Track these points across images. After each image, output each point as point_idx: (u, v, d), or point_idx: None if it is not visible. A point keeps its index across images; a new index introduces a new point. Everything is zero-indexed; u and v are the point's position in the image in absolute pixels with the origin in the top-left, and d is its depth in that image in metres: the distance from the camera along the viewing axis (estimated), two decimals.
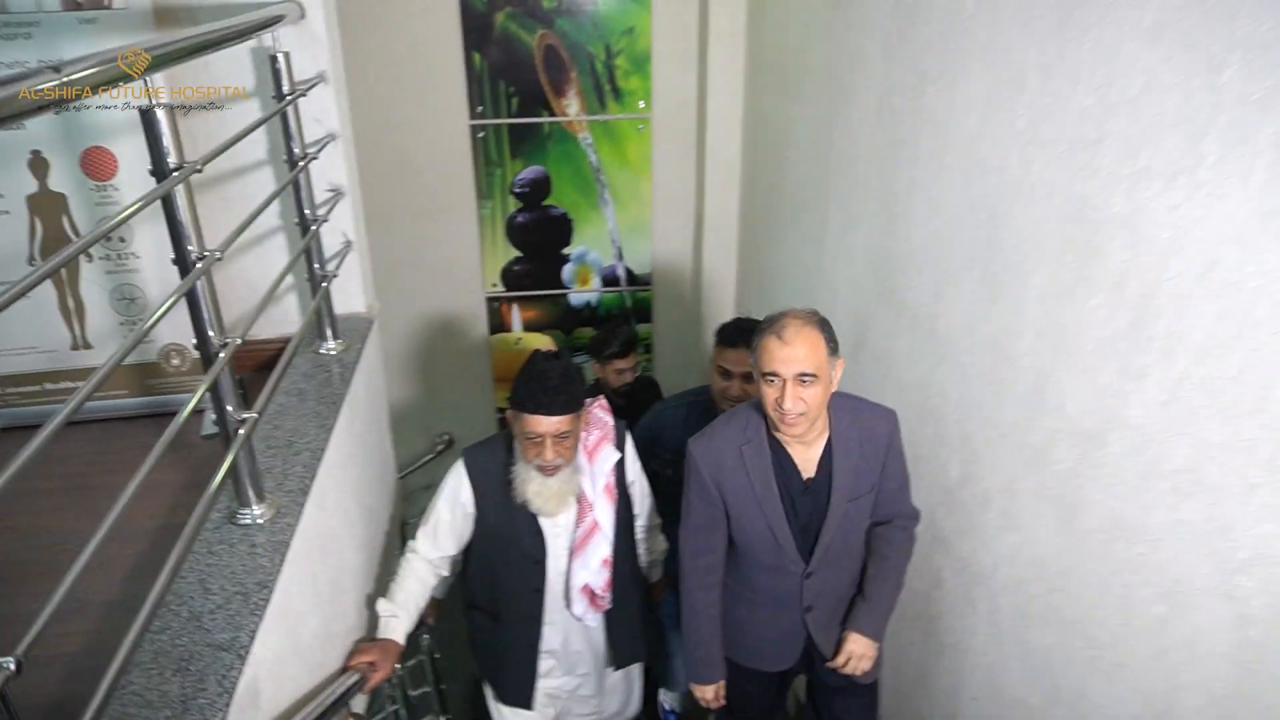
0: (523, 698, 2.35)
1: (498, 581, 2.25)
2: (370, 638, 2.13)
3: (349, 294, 2.49)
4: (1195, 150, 1.29)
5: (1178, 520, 1.38)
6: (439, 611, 2.51)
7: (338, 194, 2.39)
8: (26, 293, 1.01)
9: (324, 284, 2.24)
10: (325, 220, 2.24)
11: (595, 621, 2.32)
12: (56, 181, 2.11)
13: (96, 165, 2.13)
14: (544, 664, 2.34)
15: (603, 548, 2.19)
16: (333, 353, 2.32)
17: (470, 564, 2.30)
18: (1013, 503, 1.86)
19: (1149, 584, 1.46)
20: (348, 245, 2.44)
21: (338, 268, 2.35)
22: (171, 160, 1.41)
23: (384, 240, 3.10)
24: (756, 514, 1.93)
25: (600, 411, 2.25)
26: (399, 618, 2.12)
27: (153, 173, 1.41)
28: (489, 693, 2.45)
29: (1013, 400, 1.82)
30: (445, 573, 2.29)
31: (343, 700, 1.87)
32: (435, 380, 4.44)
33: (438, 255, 4.17)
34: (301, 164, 2.10)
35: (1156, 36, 1.35)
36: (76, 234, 2.15)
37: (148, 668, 1.31)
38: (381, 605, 2.13)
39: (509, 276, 4.34)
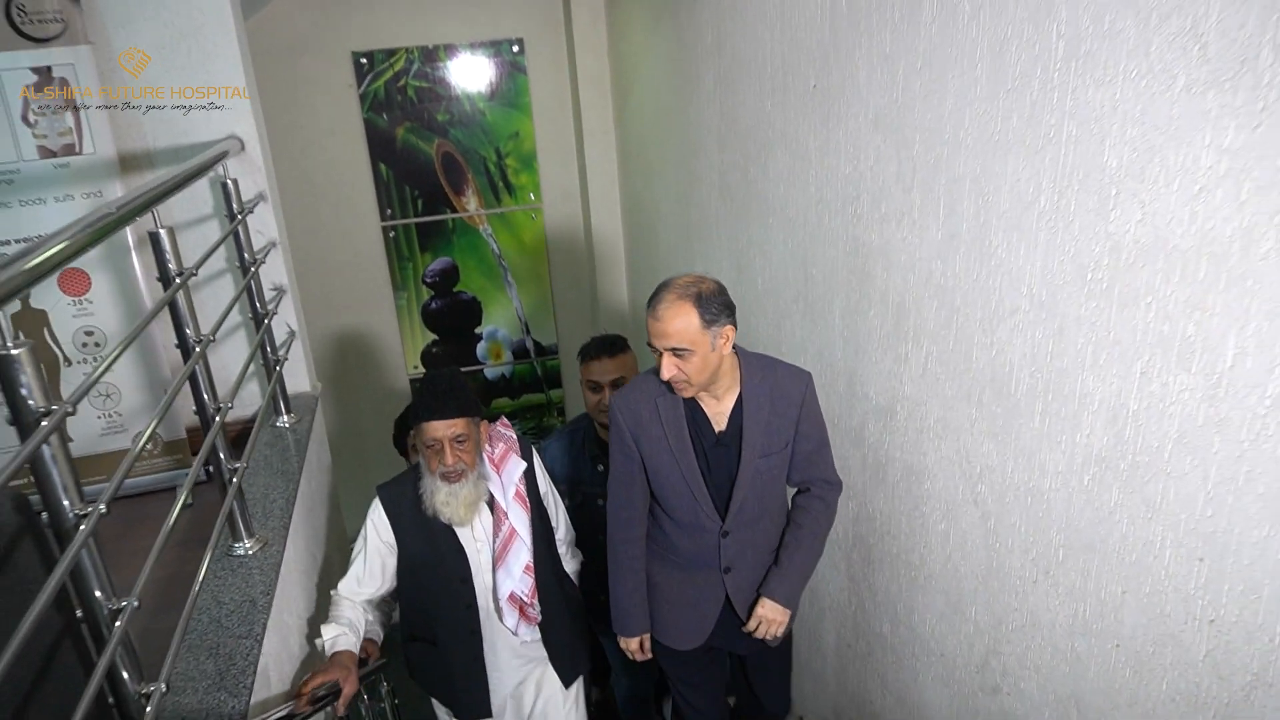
0: (481, 708, 2.42)
1: (430, 608, 2.28)
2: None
3: (297, 376, 2.90)
4: (908, 199, 1.89)
5: (941, 457, 1.94)
6: (378, 652, 2.41)
7: (281, 291, 2.82)
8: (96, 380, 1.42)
9: (278, 367, 2.65)
10: (275, 314, 2.67)
11: (530, 636, 2.35)
12: (38, 300, 2.49)
13: (72, 284, 2.52)
14: (491, 674, 2.40)
15: (523, 554, 2.24)
16: (288, 425, 2.72)
17: (402, 599, 2.34)
18: (848, 477, 2.39)
19: (934, 509, 2.00)
20: (292, 334, 2.87)
21: (287, 353, 2.76)
22: (172, 267, 1.85)
23: (315, 333, 3.50)
24: (671, 466, 2.00)
25: (502, 428, 2.36)
26: (345, 634, 2.14)
27: (160, 278, 1.85)
28: (443, 712, 2.51)
29: (835, 396, 2.38)
30: (370, 616, 2.30)
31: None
32: (367, 458, 4.75)
33: (363, 343, 4.58)
34: (253, 268, 2.54)
35: (876, 124, 1.97)
36: (57, 345, 2.52)
37: (186, 656, 1.68)
38: (325, 629, 2.15)
39: (428, 358, 4.78)
